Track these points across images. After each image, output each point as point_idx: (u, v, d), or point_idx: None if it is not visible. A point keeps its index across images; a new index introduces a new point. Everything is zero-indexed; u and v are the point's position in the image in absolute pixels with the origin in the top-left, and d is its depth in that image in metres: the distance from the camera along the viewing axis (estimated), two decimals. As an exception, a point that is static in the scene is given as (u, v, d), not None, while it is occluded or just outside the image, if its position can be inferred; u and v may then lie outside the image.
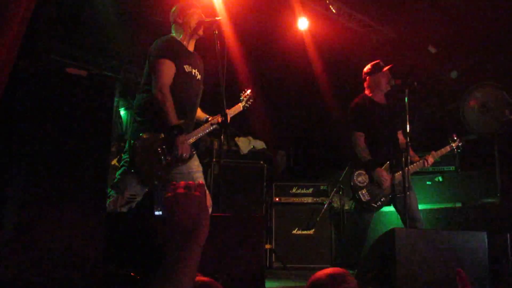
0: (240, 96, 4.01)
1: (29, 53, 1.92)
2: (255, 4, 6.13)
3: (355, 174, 4.53)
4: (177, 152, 3.35)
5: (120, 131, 6.71)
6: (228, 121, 3.50)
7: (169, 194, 1.19)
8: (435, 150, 4.73)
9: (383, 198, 4.46)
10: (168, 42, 3.59)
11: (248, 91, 4.03)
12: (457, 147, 4.74)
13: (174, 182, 1.25)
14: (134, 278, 1.99)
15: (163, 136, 3.39)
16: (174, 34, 3.69)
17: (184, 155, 3.40)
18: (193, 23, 3.62)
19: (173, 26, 3.72)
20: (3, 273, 1.81)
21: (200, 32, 3.66)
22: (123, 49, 6.85)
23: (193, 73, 3.64)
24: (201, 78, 3.74)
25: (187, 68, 3.58)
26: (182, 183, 1.22)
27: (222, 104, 3.49)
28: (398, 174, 4.42)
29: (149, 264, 2.04)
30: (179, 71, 3.53)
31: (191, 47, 3.70)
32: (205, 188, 1.27)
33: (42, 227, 1.90)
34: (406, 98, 4.35)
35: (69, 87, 1.87)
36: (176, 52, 3.55)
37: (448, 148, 4.72)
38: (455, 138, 4.76)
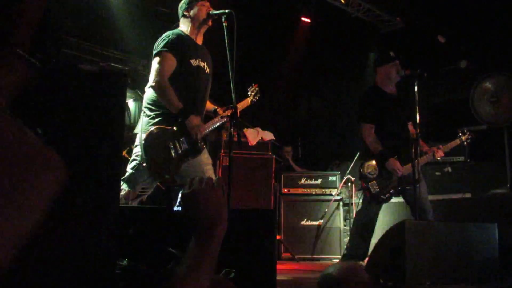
0: (248, 91, 4.01)
1: (41, 48, 1.93)
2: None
3: (365, 165, 4.53)
4: (191, 136, 3.38)
5: (128, 122, 6.73)
6: (238, 114, 3.50)
7: (187, 190, 1.19)
8: (445, 141, 4.73)
9: (392, 190, 4.46)
10: (174, 36, 3.58)
11: (256, 86, 4.03)
12: (467, 140, 4.74)
13: (192, 178, 1.25)
14: (147, 273, 2.01)
15: (174, 129, 3.40)
16: (182, 28, 3.68)
17: (199, 135, 3.42)
18: (201, 17, 3.61)
19: (181, 19, 3.70)
20: (15, 270, 1.83)
21: (209, 23, 3.64)
22: (131, 41, 6.86)
23: (202, 66, 3.63)
24: (210, 71, 3.74)
25: (194, 62, 3.57)
26: (200, 178, 1.22)
27: (232, 97, 3.48)
28: (408, 166, 4.40)
29: (163, 259, 2.06)
30: (186, 65, 3.52)
31: (199, 40, 3.70)
32: (222, 182, 1.27)
33: (55, 222, 1.91)
34: (415, 88, 4.33)
35: (82, 82, 1.88)
36: (183, 46, 3.54)
37: (458, 141, 4.73)
38: (465, 131, 4.76)
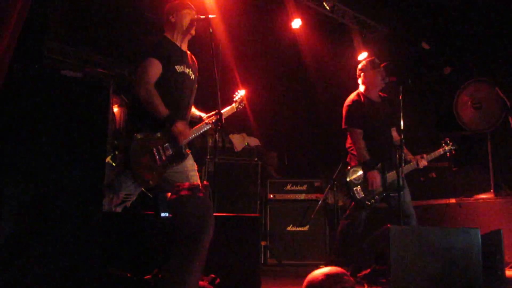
0: (233, 97, 4.01)
1: (24, 55, 1.91)
2: (248, 2, 6.11)
3: (350, 171, 4.55)
4: (177, 142, 3.38)
5: (113, 128, 6.68)
6: (223, 121, 3.50)
7: (174, 197, 1.19)
8: (429, 147, 4.77)
9: (377, 196, 4.48)
10: (159, 42, 3.57)
11: (241, 92, 4.02)
12: (450, 150, 4.78)
13: (179, 184, 1.25)
14: (131, 280, 1.99)
15: (158, 135, 3.39)
16: (167, 33, 3.67)
17: (185, 141, 3.43)
18: (186, 23, 3.60)
19: (166, 25, 3.69)
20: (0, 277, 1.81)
21: (193, 32, 3.65)
22: (116, 46, 6.83)
23: (187, 73, 3.63)
24: (195, 77, 3.73)
25: (179, 68, 3.56)
26: (187, 184, 1.22)
27: (216, 103, 3.48)
28: (392, 173, 4.43)
29: (146, 265, 2.04)
30: (171, 71, 3.51)
31: (184, 47, 3.69)
32: (209, 188, 1.27)
33: (39, 228, 1.89)
34: (400, 95, 4.36)
35: (64, 89, 1.86)
36: (168, 52, 3.53)
37: (441, 151, 4.77)
38: (448, 141, 4.80)
